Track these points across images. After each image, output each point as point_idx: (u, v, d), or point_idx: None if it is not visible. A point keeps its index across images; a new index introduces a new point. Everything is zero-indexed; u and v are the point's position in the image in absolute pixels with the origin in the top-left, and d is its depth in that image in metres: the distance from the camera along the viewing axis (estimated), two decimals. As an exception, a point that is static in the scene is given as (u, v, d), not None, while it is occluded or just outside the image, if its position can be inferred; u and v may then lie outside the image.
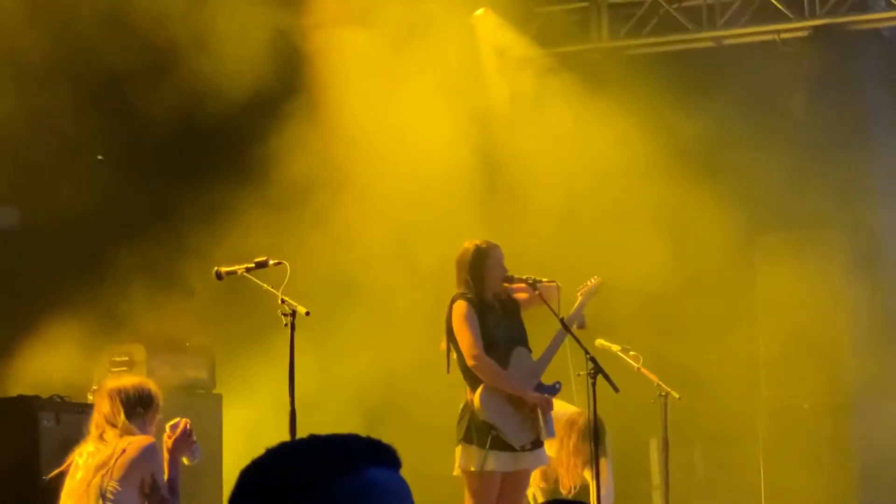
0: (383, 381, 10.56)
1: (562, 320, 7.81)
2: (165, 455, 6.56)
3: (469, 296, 7.76)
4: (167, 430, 6.62)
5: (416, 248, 10.44)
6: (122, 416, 6.60)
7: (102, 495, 6.48)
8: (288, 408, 6.79)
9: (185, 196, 10.69)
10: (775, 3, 11.52)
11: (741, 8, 11.68)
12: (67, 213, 10.28)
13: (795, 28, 11.57)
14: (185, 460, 6.64)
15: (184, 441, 6.59)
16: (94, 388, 9.11)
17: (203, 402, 9.79)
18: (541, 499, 8.68)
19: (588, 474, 8.38)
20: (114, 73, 10.33)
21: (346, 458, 1.77)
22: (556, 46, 12.14)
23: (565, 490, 8.55)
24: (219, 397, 10.06)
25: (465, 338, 7.68)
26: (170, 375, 9.36)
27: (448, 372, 7.80)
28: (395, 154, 10.88)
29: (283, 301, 6.89)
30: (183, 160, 11.22)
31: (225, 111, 10.21)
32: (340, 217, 10.80)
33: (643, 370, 8.75)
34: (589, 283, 8.33)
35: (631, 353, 8.83)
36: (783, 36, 11.61)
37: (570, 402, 8.68)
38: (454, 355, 7.80)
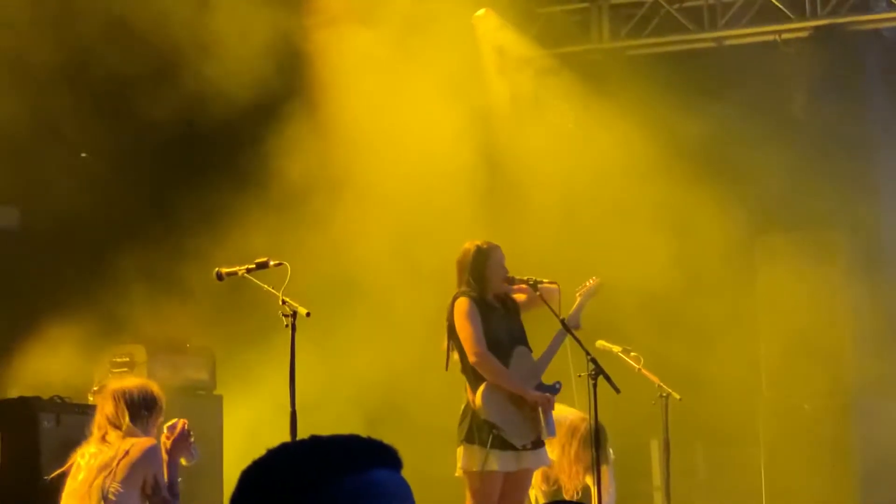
0: (384, 381, 10.55)
1: (563, 321, 7.81)
2: (164, 456, 6.56)
3: (471, 293, 7.75)
4: (165, 431, 6.62)
5: (416, 249, 10.44)
6: (127, 418, 6.60)
7: (104, 496, 6.48)
8: (288, 409, 6.79)
9: (186, 197, 10.69)
10: (776, 3, 11.52)
11: (742, 8, 11.68)
12: (68, 213, 10.28)
13: (796, 28, 11.57)
14: (183, 461, 6.64)
15: (182, 442, 6.59)
16: (95, 389, 9.10)
17: (204, 403, 9.79)
18: (542, 501, 8.67)
19: (590, 480, 8.37)
20: (114, 74, 10.32)
21: (347, 458, 1.76)
22: (556, 47, 12.14)
23: (567, 495, 8.54)
24: (219, 398, 10.06)
25: (468, 334, 7.67)
26: (170, 376, 9.36)
27: (447, 369, 7.79)
28: (395, 155, 10.88)
29: (283, 302, 6.89)
30: (183, 161, 11.22)
31: (225, 112, 10.20)
32: (341, 218, 10.79)
33: (644, 371, 8.75)
34: (588, 284, 8.32)
35: (632, 353, 8.83)
36: (784, 36, 11.61)
37: (571, 403, 8.67)
38: (455, 355, 7.79)
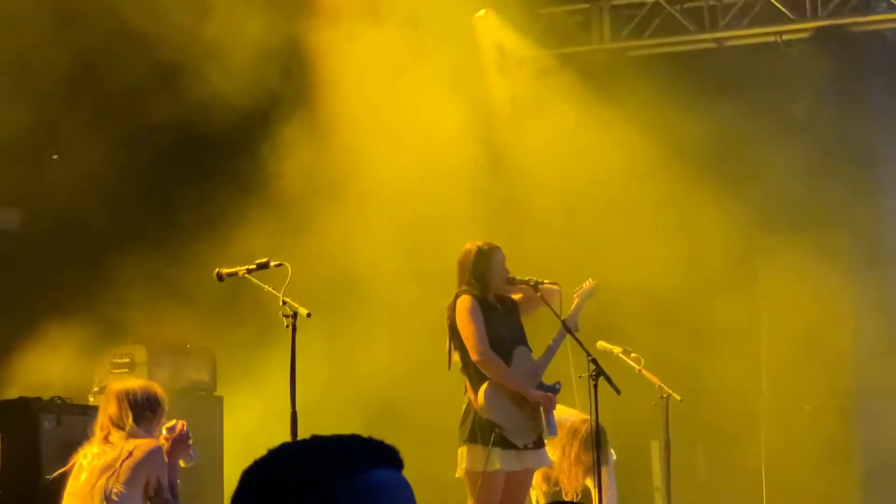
0: (384, 382, 10.55)
1: (564, 322, 7.81)
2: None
3: (473, 291, 7.75)
4: (164, 432, 6.62)
5: (417, 250, 10.44)
6: (130, 419, 6.59)
7: (107, 497, 6.48)
8: (289, 409, 6.78)
9: (187, 198, 10.69)
10: (777, 4, 11.52)
11: (743, 9, 11.68)
12: (69, 215, 10.29)
13: (797, 29, 11.57)
14: (181, 462, 6.64)
15: (181, 443, 6.59)
16: (96, 389, 9.12)
17: (204, 404, 9.79)
18: (542, 501, 8.67)
19: (590, 482, 8.36)
20: (115, 78, 10.33)
21: (348, 458, 1.76)
22: (557, 47, 12.14)
23: (567, 497, 8.53)
24: (220, 399, 10.06)
25: (471, 332, 7.67)
26: (171, 377, 9.36)
27: (449, 369, 7.78)
28: (395, 156, 10.88)
29: (284, 302, 6.88)
30: (184, 162, 11.22)
31: (225, 112, 10.20)
32: (341, 218, 10.79)
33: (644, 372, 8.74)
34: (585, 286, 8.31)
35: (632, 354, 8.82)
36: (785, 37, 11.61)
37: (572, 404, 8.66)
38: (455, 354, 7.78)
